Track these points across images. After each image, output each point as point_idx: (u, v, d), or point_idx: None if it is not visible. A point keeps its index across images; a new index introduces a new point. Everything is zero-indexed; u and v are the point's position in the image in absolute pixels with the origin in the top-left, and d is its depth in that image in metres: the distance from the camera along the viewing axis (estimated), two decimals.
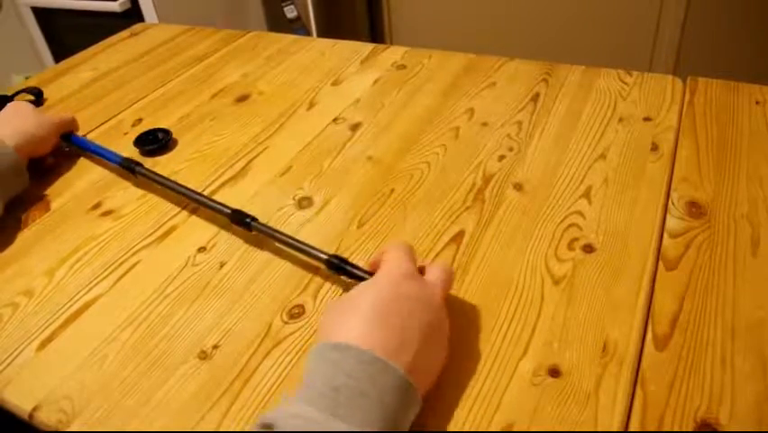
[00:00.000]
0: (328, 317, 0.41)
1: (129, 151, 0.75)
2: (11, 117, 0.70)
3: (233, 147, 0.74)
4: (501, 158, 0.67)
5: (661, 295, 0.49)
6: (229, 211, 0.58)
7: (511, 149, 0.68)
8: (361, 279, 0.49)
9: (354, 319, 0.38)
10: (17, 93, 0.88)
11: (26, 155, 0.67)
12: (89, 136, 0.79)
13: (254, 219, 0.57)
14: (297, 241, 0.54)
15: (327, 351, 0.36)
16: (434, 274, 0.44)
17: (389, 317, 0.38)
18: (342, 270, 0.50)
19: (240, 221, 0.57)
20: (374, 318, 0.38)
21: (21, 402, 0.45)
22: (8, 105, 0.73)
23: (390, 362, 0.35)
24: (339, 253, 0.56)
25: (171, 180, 0.64)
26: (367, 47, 0.95)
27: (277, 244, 0.56)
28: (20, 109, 0.72)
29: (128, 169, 0.67)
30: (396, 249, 0.45)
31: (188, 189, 0.63)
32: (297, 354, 0.47)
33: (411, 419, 0.37)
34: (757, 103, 0.71)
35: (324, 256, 0.51)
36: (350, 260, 0.50)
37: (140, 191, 0.67)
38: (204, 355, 0.47)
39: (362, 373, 0.34)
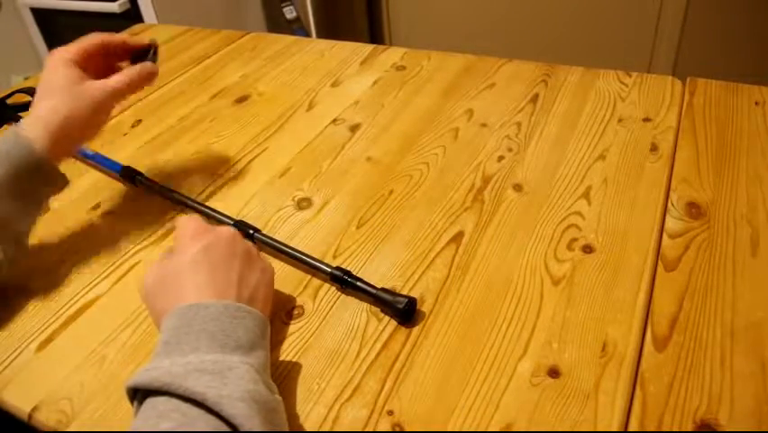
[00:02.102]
0: (152, 299, 0.45)
1: (129, 150, 0.75)
2: (49, 88, 0.54)
3: (233, 148, 0.74)
4: (500, 158, 0.67)
5: (660, 295, 0.49)
6: (231, 222, 0.58)
7: (510, 149, 0.68)
8: (366, 292, 0.50)
9: (169, 294, 0.44)
10: (12, 93, 0.87)
11: (60, 148, 0.53)
12: None
13: (257, 230, 0.57)
14: (302, 253, 0.54)
15: (162, 326, 0.42)
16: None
17: (195, 275, 0.43)
18: (345, 282, 0.51)
19: (242, 232, 0.57)
20: (186, 284, 0.43)
21: (20, 403, 0.45)
22: (47, 66, 0.55)
23: (204, 301, 0.41)
24: (338, 253, 0.56)
25: (173, 191, 0.64)
26: (366, 48, 0.95)
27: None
28: (54, 75, 0.54)
29: (129, 179, 0.67)
30: (181, 225, 0.48)
31: (191, 200, 0.63)
32: (296, 354, 0.47)
33: (252, 327, 0.41)
34: (756, 104, 0.71)
35: (328, 269, 0.52)
36: (350, 260, 0.50)
37: (140, 192, 0.67)
38: None
39: (179, 320, 0.40)
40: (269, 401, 0.37)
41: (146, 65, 0.58)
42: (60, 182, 0.55)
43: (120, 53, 0.60)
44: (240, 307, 0.42)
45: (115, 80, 0.55)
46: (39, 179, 0.52)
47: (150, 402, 0.36)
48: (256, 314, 0.43)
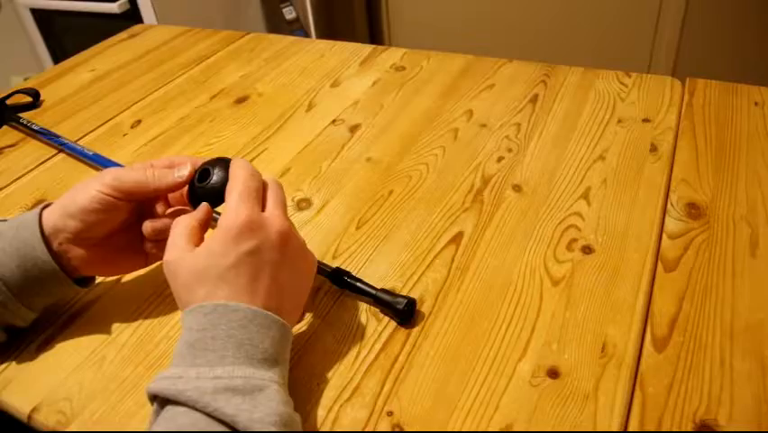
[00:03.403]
0: (179, 289, 0.42)
1: (129, 151, 0.75)
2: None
3: (233, 148, 0.74)
4: (500, 159, 0.67)
5: (660, 296, 0.49)
6: None
7: (510, 150, 0.68)
8: (365, 293, 0.50)
9: (200, 286, 0.40)
10: (12, 93, 0.87)
11: (63, 246, 0.46)
12: (88, 138, 0.79)
13: None
14: None
15: (184, 319, 0.40)
16: (268, 209, 0.44)
17: (233, 275, 0.40)
18: (345, 283, 0.51)
19: None
20: (218, 279, 0.40)
21: (20, 403, 0.45)
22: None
23: (232, 303, 0.39)
24: (338, 254, 0.56)
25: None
26: (366, 48, 0.95)
27: None
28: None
29: None
30: (231, 199, 0.43)
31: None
32: (296, 354, 0.47)
33: (279, 338, 0.40)
34: (756, 104, 0.71)
35: (328, 269, 0.52)
36: (350, 261, 0.50)
37: None
38: None
39: (208, 322, 0.38)
40: (295, 423, 0.37)
41: (181, 172, 0.47)
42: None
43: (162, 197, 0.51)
44: (268, 315, 0.40)
45: (131, 176, 0.47)
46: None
47: (171, 413, 0.35)
48: (282, 324, 0.41)
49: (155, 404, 0.37)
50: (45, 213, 0.46)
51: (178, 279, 0.41)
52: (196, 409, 0.34)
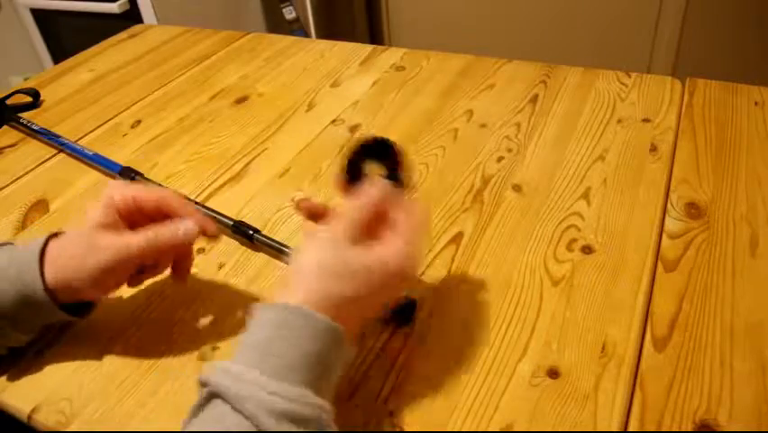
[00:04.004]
0: (308, 276, 0.40)
1: (128, 151, 0.75)
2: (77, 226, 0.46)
3: (232, 149, 0.74)
4: (500, 159, 0.67)
5: (660, 296, 0.49)
6: (231, 223, 0.58)
7: (510, 150, 0.68)
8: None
9: (294, 276, 0.39)
10: (12, 93, 0.87)
11: (65, 295, 0.45)
12: (88, 138, 0.79)
13: (257, 231, 0.57)
14: None
15: (263, 311, 0.38)
16: (393, 243, 0.41)
17: (327, 278, 0.38)
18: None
19: (242, 232, 0.57)
20: (310, 276, 0.39)
21: (20, 403, 0.45)
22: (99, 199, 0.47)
23: (318, 313, 0.37)
24: None
25: (173, 191, 0.64)
26: (366, 48, 0.95)
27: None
28: (88, 213, 0.46)
29: (128, 179, 0.67)
30: (352, 209, 0.42)
31: (190, 200, 0.62)
32: None
33: (341, 356, 0.38)
34: (756, 104, 0.71)
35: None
36: None
37: None
38: (203, 357, 0.47)
39: (290, 327, 0.36)
40: None
41: (186, 225, 0.45)
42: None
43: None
44: (344, 338, 0.38)
45: (137, 240, 0.44)
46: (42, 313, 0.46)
47: (220, 410, 0.34)
48: (351, 349, 0.39)
49: (204, 390, 0.35)
50: (49, 269, 0.44)
51: (307, 268, 0.39)
52: (245, 417, 0.33)
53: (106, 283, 0.45)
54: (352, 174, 0.45)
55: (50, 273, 0.44)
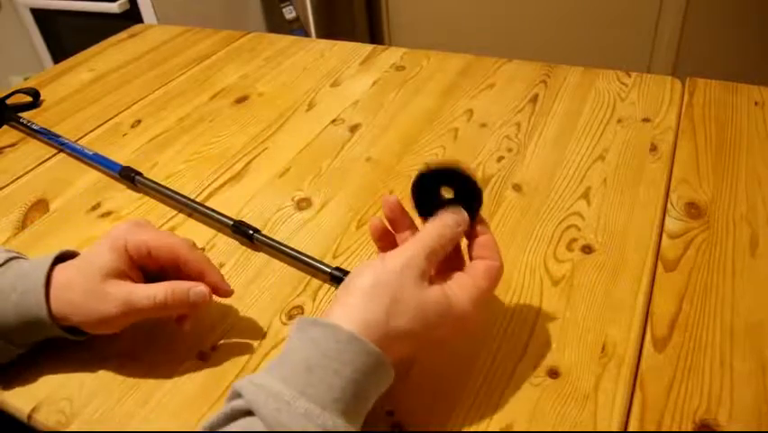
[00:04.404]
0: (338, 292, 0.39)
1: (128, 150, 0.75)
2: (83, 264, 0.45)
3: (232, 148, 0.74)
4: (500, 159, 0.67)
5: (660, 296, 0.49)
6: (231, 223, 0.58)
7: (510, 150, 0.68)
8: (276, 249, 0.49)
9: (347, 297, 0.37)
10: (12, 93, 0.87)
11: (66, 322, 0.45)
12: (88, 138, 0.79)
13: (257, 231, 0.57)
14: (301, 253, 0.54)
15: (309, 326, 0.36)
16: (464, 285, 0.39)
17: (387, 307, 0.36)
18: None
19: (242, 232, 0.57)
20: (365, 299, 0.37)
21: (20, 403, 0.45)
22: (107, 235, 0.46)
23: (369, 343, 0.35)
24: (338, 253, 0.56)
25: (172, 191, 0.64)
26: (366, 48, 0.95)
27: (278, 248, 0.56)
28: (96, 255, 0.45)
29: (128, 179, 0.67)
30: (420, 242, 0.40)
31: (190, 200, 0.63)
32: None
33: (381, 391, 0.37)
34: (756, 104, 0.71)
35: (328, 269, 0.52)
36: (350, 260, 0.50)
37: (138, 193, 0.67)
38: (203, 356, 0.47)
39: (338, 352, 0.34)
40: None
41: (197, 290, 0.44)
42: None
43: (194, 275, 0.47)
44: (390, 373, 0.37)
45: (145, 296, 0.43)
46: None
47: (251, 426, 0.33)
48: (391, 376, 0.37)
49: (238, 402, 0.33)
50: (54, 300, 0.44)
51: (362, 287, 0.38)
52: None
53: (108, 328, 0.45)
54: (423, 203, 0.43)
55: (54, 303, 0.44)
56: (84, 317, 0.44)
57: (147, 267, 0.46)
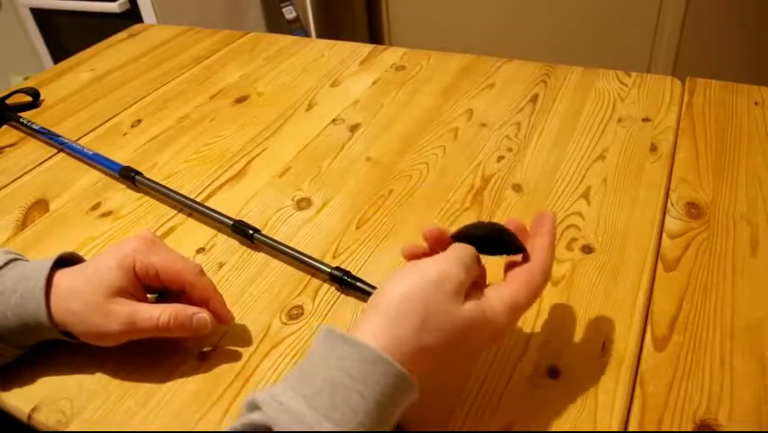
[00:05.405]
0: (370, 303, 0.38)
1: (128, 150, 0.75)
2: (89, 279, 0.45)
3: (232, 148, 0.74)
4: (500, 159, 0.67)
5: (660, 296, 0.49)
6: (231, 222, 0.58)
7: (510, 150, 0.68)
8: (365, 292, 0.49)
9: (377, 307, 0.36)
10: (12, 93, 0.87)
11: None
12: (88, 138, 0.79)
13: (257, 231, 0.57)
14: (301, 253, 0.54)
15: (336, 340, 0.35)
16: (495, 306, 0.38)
17: (414, 318, 0.35)
18: (344, 283, 0.51)
19: (242, 232, 0.57)
20: (396, 311, 0.35)
21: (20, 403, 0.45)
22: (114, 246, 0.47)
23: (396, 363, 0.34)
24: (338, 253, 0.56)
25: (172, 190, 0.64)
26: (366, 48, 0.95)
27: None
28: (103, 269, 0.45)
29: (128, 179, 0.67)
30: (456, 253, 0.39)
31: (190, 199, 0.63)
32: (295, 355, 0.47)
33: (404, 409, 0.36)
34: (756, 104, 0.71)
35: (328, 269, 0.52)
36: (350, 260, 0.50)
37: (139, 192, 0.67)
38: (203, 356, 0.47)
39: (364, 373, 0.33)
40: None
41: (200, 317, 0.45)
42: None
43: (200, 301, 0.47)
44: (415, 392, 0.35)
45: (148, 317, 0.44)
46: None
47: None
48: (416, 395, 0.36)
49: (254, 413, 0.33)
50: (55, 306, 0.44)
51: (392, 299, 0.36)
52: None
53: (107, 342, 0.45)
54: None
55: (55, 309, 0.44)
56: (85, 329, 0.44)
57: (152, 286, 0.47)
